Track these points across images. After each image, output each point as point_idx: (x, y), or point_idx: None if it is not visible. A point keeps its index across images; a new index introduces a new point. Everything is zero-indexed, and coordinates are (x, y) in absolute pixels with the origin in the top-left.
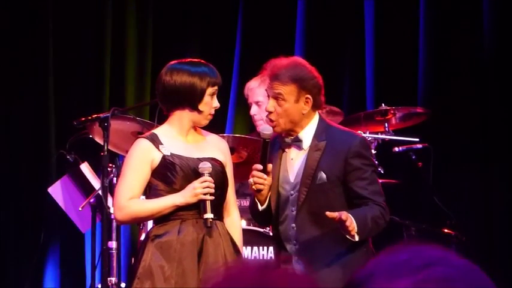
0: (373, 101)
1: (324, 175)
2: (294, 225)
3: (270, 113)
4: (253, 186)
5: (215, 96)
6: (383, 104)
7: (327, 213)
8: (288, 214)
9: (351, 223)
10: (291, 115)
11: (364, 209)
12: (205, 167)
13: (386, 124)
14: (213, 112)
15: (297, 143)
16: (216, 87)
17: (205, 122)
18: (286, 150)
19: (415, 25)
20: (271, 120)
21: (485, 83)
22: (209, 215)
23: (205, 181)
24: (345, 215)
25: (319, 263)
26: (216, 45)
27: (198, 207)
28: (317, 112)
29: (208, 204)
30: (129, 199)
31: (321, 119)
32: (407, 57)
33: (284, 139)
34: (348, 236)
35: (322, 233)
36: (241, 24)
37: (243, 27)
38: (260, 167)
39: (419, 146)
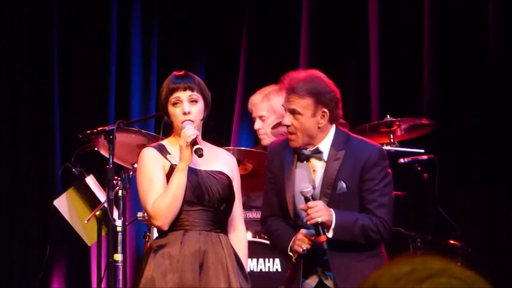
0: (378, 112)
1: (343, 184)
2: None
3: (287, 126)
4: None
5: (182, 104)
6: (388, 116)
7: (300, 206)
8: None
9: (316, 211)
10: (308, 129)
11: (359, 215)
12: (189, 125)
13: (391, 135)
14: (182, 119)
15: (317, 154)
16: (176, 95)
17: (181, 132)
18: (305, 161)
19: (420, 36)
20: (291, 134)
21: (490, 94)
22: (198, 146)
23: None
24: (312, 203)
25: (344, 270)
26: (221, 56)
27: (202, 218)
28: (334, 124)
29: (197, 139)
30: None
31: (337, 130)
32: (413, 69)
33: (302, 151)
34: (319, 229)
35: (343, 242)
36: (246, 36)
37: (248, 40)
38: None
39: (425, 157)
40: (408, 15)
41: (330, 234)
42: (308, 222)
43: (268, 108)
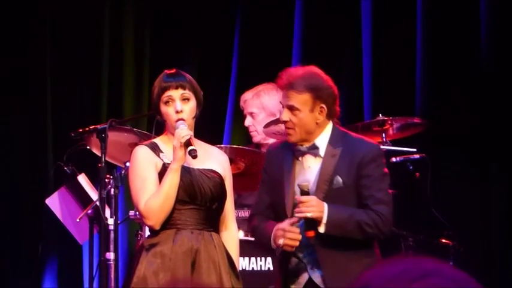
0: (370, 111)
1: (340, 180)
2: None
3: (285, 122)
4: (285, 247)
5: (174, 102)
6: (380, 115)
7: (296, 197)
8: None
9: (307, 206)
10: (306, 124)
11: (355, 210)
12: (182, 125)
13: (383, 134)
14: (175, 118)
15: (313, 150)
16: (168, 94)
17: (175, 132)
18: (301, 158)
19: (412, 36)
20: (288, 129)
21: (483, 93)
22: (192, 147)
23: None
24: (305, 197)
25: (334, 269)
26: (214, 55)
27: (194, 217)
28: (330, 120)
29: (191, 140)
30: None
31: (335, 127)
32: (405, 68)
33: (298, 147)
34: (308, 224)
35: (339, 239)
36: (238, 35)
37: (241, 39)
38: (296, 230)
39: (417, 156)
40: (401, 15)
41: (321, 229)
42: (296, 215)
43: (258, 105)
